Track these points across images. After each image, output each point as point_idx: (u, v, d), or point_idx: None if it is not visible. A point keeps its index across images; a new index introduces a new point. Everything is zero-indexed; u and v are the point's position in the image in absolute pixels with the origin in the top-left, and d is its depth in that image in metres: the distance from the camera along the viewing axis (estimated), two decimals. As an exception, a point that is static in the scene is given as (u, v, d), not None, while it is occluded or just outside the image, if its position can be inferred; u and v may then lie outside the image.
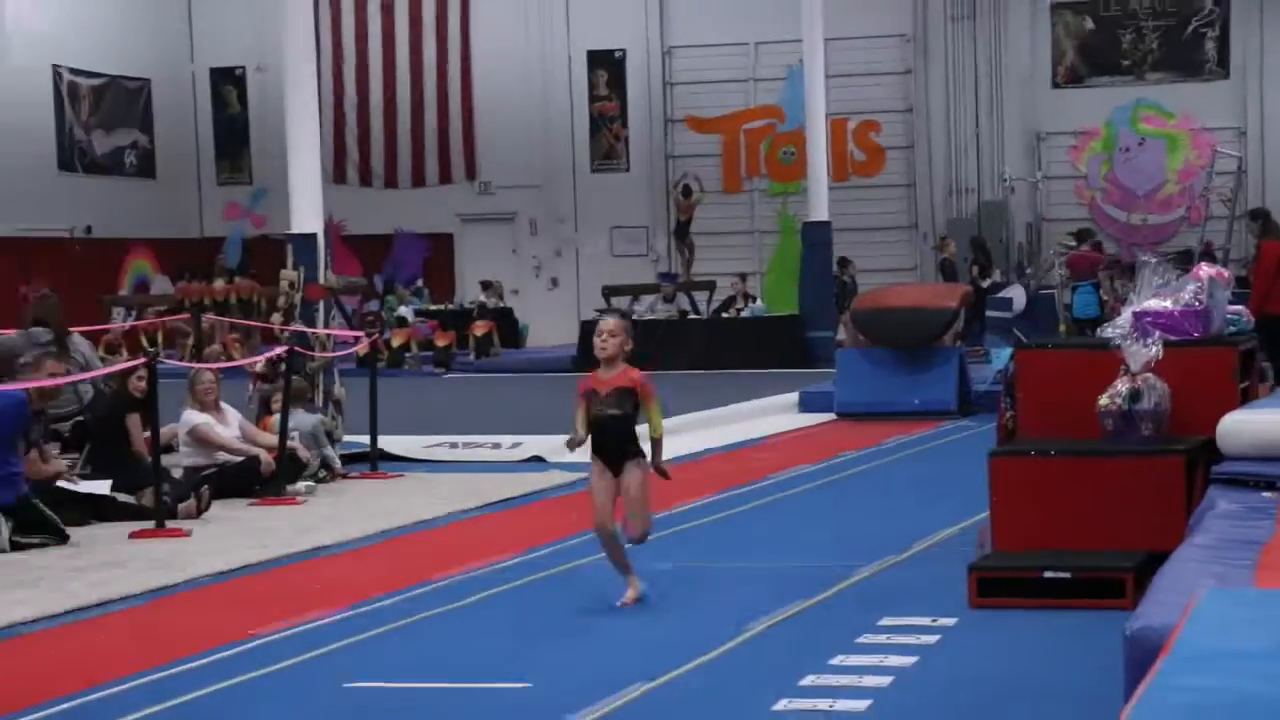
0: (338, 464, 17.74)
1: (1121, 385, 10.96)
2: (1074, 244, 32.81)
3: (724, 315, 34.99)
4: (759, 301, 36.23)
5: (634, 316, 33.97)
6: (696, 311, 34.99)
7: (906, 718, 8.09)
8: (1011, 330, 27.29)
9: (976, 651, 9.41)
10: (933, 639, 9.60)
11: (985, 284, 33.17)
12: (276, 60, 22.16)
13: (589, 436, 10.93)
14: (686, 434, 21.06)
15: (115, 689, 9.20)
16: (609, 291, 35.60)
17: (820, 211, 33.47)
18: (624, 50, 39.86)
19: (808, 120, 33.40)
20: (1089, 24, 39.61)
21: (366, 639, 10.29)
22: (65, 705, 8.90)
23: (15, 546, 13.60)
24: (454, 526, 14.91)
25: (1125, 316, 11.33)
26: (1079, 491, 10.76)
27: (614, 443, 10.89)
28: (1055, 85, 39.84)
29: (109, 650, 10.46)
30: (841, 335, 29.50)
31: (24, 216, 36.21)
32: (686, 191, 38.06)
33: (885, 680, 8.64)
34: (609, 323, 11.09)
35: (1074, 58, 39.79)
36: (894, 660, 9.07)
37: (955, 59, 39.68)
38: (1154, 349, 10.85)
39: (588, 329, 33.70)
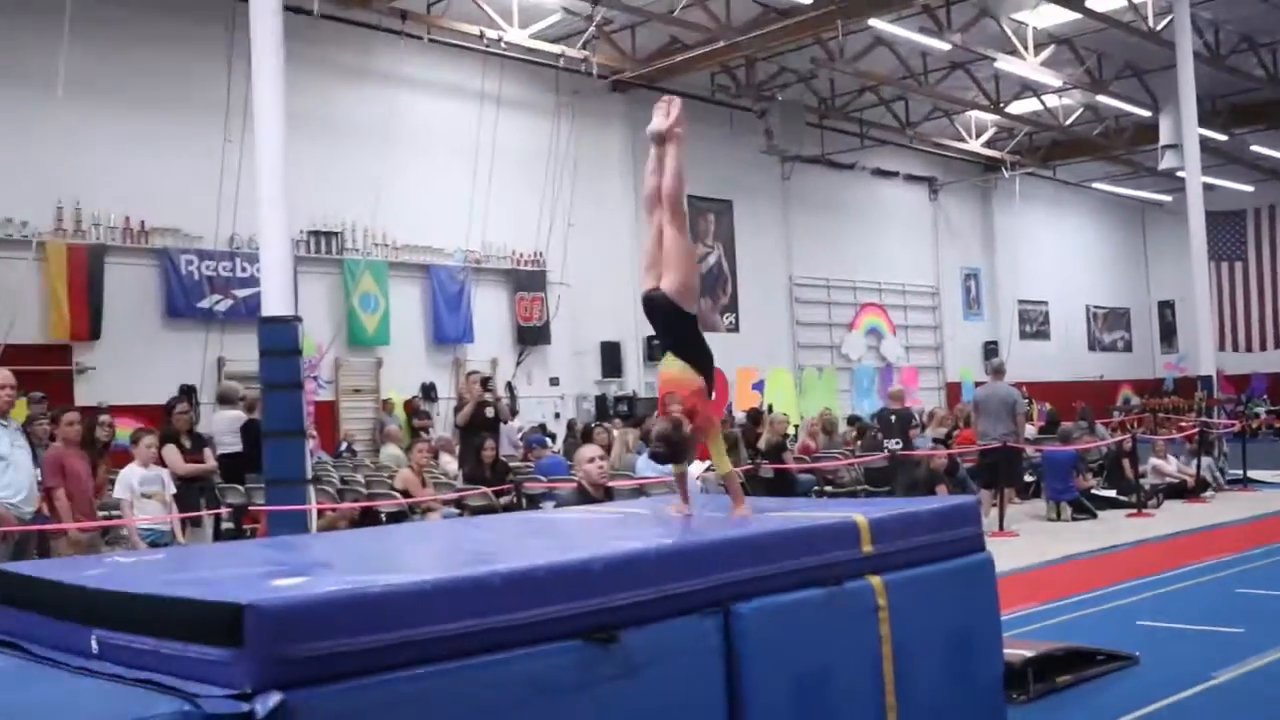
0: (1223, 482, 16.40)
1: None
2: None
3: None
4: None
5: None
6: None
7: None
8: None
9: None
10: None
11: None
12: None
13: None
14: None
15: (1123, 584, 8.92)
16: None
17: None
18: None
19: None
20: None
21: (1261, 566, 9.60)
22: (1109, 590, 8.73)
23: (1073, 519, 13.28)
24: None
25: None
26: None
27: None
28: None
29: (1119, 567, 9.88)
30: None
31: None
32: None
33: None
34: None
35: None
36: None
37: None
38: None
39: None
